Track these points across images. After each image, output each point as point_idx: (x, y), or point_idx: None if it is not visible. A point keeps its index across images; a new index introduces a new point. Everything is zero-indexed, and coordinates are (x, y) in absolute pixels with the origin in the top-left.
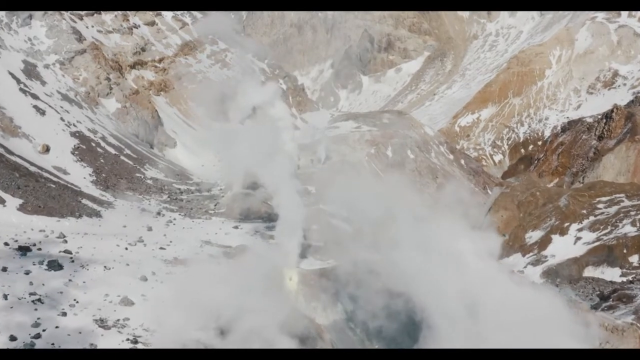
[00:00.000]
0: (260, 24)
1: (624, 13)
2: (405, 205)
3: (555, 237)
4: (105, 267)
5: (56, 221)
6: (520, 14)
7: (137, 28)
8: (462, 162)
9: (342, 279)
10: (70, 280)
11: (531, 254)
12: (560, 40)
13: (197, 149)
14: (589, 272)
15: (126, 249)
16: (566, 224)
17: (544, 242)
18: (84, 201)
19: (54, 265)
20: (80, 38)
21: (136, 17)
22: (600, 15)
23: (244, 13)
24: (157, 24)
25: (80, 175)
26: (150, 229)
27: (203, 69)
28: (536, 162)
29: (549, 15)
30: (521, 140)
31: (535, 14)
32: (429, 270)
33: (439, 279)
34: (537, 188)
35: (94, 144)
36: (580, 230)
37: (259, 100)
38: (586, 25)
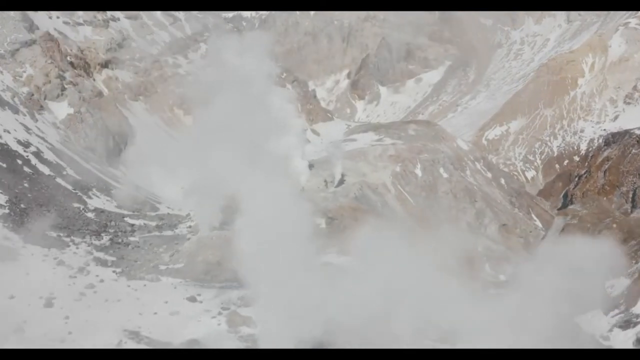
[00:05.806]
0: (274, 32)
1: None
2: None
3: None
4: None
5: None
6: (547, 21)
7: (115, 21)
8: (502, 181)
9: None
10: None
11: (616, 310)
12: (592, 47)
13: (178, 167)
14: None
15: None
16: None
17: (633, 295)
18: None
19: None
20: (31, 27)
21: None
22: (634, 21)
23: (256, 21)
24: (141, 18)
25: None
26: (49, 303)
27: (195, 71)
28: (576, 179)
29: (577, 22)
30: (555, 154)
31: (562, 21)
32: None
33: None
34: (613, 219)
35: (20, 162)
36: None
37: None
38: (619, 31)
